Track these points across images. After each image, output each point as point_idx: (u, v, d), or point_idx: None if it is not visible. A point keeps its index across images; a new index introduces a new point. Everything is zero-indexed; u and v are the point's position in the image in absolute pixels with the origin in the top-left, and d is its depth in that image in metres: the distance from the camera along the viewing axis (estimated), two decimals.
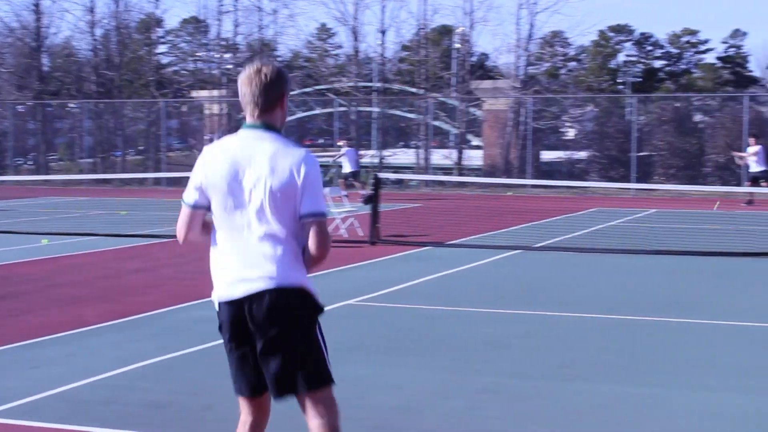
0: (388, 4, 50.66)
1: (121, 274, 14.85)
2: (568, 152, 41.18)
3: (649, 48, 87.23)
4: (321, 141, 59.19)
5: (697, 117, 41.21)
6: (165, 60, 59.98)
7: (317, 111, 46.14)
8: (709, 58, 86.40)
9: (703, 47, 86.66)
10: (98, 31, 49.15)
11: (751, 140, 29.80)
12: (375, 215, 18.60)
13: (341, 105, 42.25)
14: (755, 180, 29.25)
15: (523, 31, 43.48)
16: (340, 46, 65.88)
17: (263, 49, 47.21)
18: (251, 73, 4.93)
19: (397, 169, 41.32)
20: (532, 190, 35.78)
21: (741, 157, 30.36)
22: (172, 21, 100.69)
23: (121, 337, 10.11)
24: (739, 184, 33.71)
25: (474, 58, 50.84)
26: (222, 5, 46.69)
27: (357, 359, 8.92)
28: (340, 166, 33.64)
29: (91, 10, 48.38)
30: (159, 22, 53.19)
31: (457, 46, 46.00)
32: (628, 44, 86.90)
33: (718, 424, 7.10)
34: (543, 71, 53.04)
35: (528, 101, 40.16)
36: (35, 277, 14.42)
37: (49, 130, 47.24)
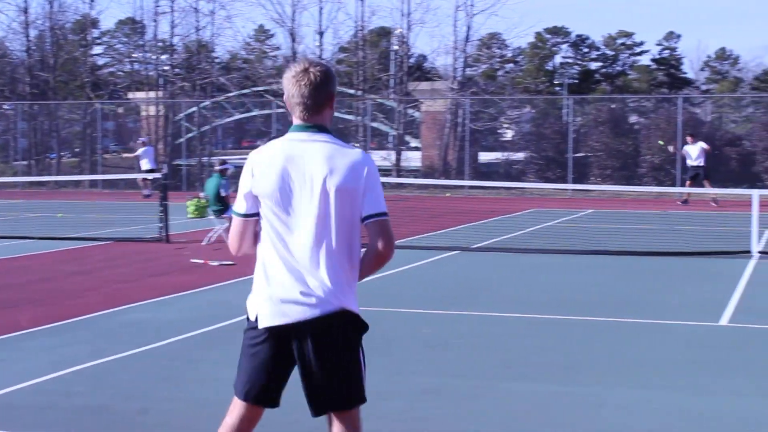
0: (325, 5, 50.55)
1: (56, 278, 14.67)
2: (505, 153, 41.39)
3: (586, 50, 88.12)
4: (259, 143, 59.01)
5: (633, 118, 41.65)
6: (101, 61, 59.27)
7: (255, 112, 45.95)
8: (644, 60, 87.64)
9: (638, 49, 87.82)
10: (32, 32, 48.50)
11: (689, 138, 30.23)
12: None
13: (279, 106, 42.10)
14: (695, 178, 29.68)
15: (461, 32, 43.69)
16: (278, 48, 65.61)
17: (200, 50, 46.88)
18: (298, 73, 4.63)
19: None
20: (470, 191, 35.95)
21: (674, 146, 30.77)
22: (107, 22, 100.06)
23: (55, 341, 9.98)
24: (673, 185, 34.17)
25: (412, 60, 50.93)
26: (158, 6, 46.25)
27: None
28: None
29: (25, 11, 47.73)
30: (94, 23, 52.55)
31: (395, 47, 46.05)
32: (564, 46, 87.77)
33: (650, 420, 7.19)
34: (480, 73, 53.30)
35: (466, 103, 40.33)
36: None
37: None
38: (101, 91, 49.58)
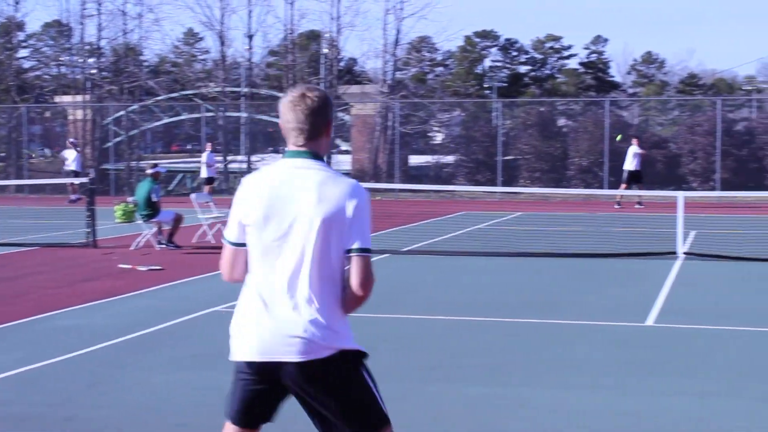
0: (255, 8, 50.41)
1: None
2: (435, 156, 41.57)
3: (515, 53, 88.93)
4: (189, 147, 58.63)
5: (561, 121, 42.04)
6: (27, 64, 58.52)
7: (184, 116, 45.66)
8: (572, 64, 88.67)
9: (566, 53, 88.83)
10: None
11: (635, 141, 30.49)
12: None
13: (209, 110, 41.90)
14: (635, 178, 30.00)
15: (390, 36, 43.86)
16: (207, 51, 65.33)
17: (128, 53, 46.48)
18: (295, 98, 4.53)
19: None
20: (400, 194, 36.07)
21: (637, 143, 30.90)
22: (33, 25, 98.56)
23: None
24: (601, 187, 34.58)
25: (342, 63, 51.04)
26: (85, 9, 45.75)
27: (221, 366, 8.84)
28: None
29: None
30: (20, 25, 51.92)
31: (325, 51, 46.07)
32: (493, 50, 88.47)
33: (577, 421, 7.30)
34: (410, 76, 53.58)
35: (396, 106, 40.45)
36: None
37: None
38: (27, 94, 48.94)
